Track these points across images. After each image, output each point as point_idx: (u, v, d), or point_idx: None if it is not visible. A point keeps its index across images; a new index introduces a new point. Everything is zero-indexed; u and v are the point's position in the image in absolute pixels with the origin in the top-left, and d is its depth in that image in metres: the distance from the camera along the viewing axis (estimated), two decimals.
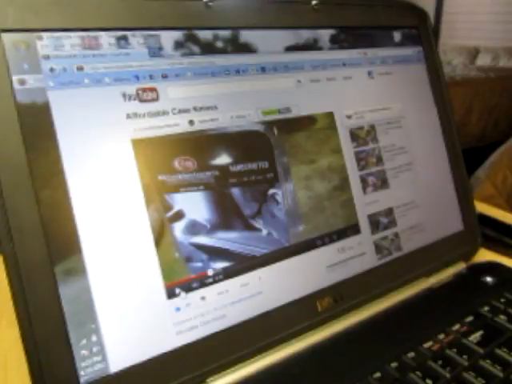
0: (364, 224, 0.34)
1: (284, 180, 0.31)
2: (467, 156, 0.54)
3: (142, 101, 0.27)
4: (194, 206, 0.28)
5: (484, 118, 2.57)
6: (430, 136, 0.40)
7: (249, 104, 0.31)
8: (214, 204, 0.28)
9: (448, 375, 0.27)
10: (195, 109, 0.29)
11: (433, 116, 0.40)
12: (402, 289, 0.35)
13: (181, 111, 0.28)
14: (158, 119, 0.27)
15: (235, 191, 0.29)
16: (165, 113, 0.28)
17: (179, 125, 0.28)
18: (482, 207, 0.49)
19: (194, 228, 0.28)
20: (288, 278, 0.30)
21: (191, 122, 0.29)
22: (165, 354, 0.26)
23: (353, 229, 0.33)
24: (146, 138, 0.27)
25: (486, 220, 0.45)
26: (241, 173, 0.30)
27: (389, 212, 0.35)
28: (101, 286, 0.24)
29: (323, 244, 0.32)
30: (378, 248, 0.34)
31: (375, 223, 0.34)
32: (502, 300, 0.34)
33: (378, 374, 0.27)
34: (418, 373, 0.28)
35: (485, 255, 0.41)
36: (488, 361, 0.29)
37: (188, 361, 0.26)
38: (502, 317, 0.33)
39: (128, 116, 0.27)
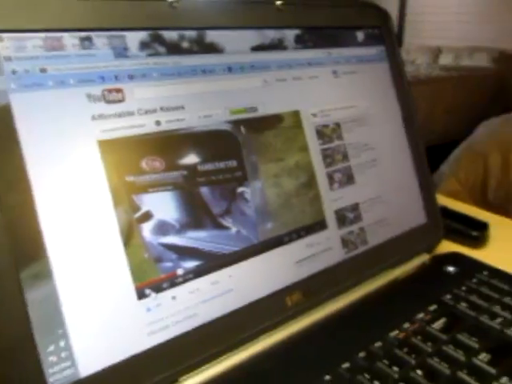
0: (331, 219, 0.35)
1: (252, 178, 0.31)
2: (432, 152, 0.56)
3: (107, 102, 0.27)
4: (163, 206, 0.28)
5: (448, 115, 2.65)
6: (393, 133, 0.41)
7: (216, 103, 0.31)
8: (182, 204, 0.29)
9: (413, 361, 0.29)
10: (162, 109, 0.29)
11: (396, 113, 0.41)
12: (368, 281, 0.36)
13: (147, 112, 0.28)
14: (124, 120, 0.27)
15: (204, 190, 0.29)
16: (131, 113, 0.28)
17: (146, 125, 0.28)
18: (444, 201, 0.51)
19: (163, 228, 0.28)
20: (258, 275, 0.30)
21: (158, 123, 0.29)
22: (136, 355, 0.26)
23: (320, 224, 0.34)
24: (112, 139, 0.27)
25: (448, 213, 0.47)
26: (209, 172, 0.30)
27: (355, 207, 0.36)
28: (68, 290, 0.24)
29: (291, 240, 0.32)
30: (345, 242, 0.35)
31: (342, 218, 0.35)
32: (464, 288, 0.36)
33: (347, 365, 0.28)
34: (385, 361, 0.29)
35: (447, 246, 0.43)
36: (451, 346, 0.30)
37: (160, 361, 0.26)
38: (464, 304, 0.34)
39: (94, 117, 0.26)
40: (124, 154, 0.27)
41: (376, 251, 0.37)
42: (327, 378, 0.27)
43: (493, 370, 0.28)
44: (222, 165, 0.31)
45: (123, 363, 0.25)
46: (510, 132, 1.05)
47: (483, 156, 1.03)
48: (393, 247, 0.38)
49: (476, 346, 0.30)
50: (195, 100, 0.30)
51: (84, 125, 0.26)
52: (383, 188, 0.39)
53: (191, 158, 0.29)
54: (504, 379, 0.27)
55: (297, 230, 0.33)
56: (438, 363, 0.28)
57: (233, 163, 0.31)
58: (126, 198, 0.27)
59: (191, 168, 0.29)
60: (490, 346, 0.30)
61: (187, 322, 0.27)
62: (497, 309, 0.34)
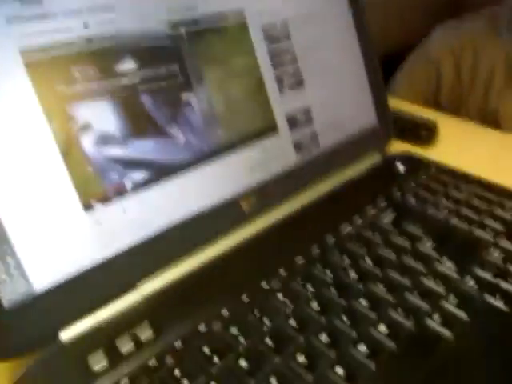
0: (282, 123, 0.34)
1: (197, 84, 0.30)
2: (388, 60, 0.54)
3: (23, 2, 0.24)
4: (102, 116, 0.26)
5: (404, 22, 2.60)
6: (344, 35, 0.39)
7: (151, 2, 0.28)
8: (123, 113, 0.27)
9: (363, 251, 0.30)
10: (89, 9, 0.26)
11: (346, 16, 0.39)
12: (322, 183, 0.37)
13: (72, 12, 0.25)
14: (45, 23, 0.25)
15: (145, 99, 0.28)
16: (53, 15, 0.25)
17: (72, 29, 0.26)
18: (395, 102, 0.51)
19: (105, 140, 0.26)
20: (210, 183, 0.30)
21: (86, 25, 0.26)
22: (91, 266, 0.25)
23: (271, 129, 0.34)
24: (35, 46, 0.24)
25: (398, 115, 0.47)
26: (149, 79, 0.28)
27: (305, 110, 0.36)
28: (9, 209, 0.23)
29: (243, 146, 0.32)
30: (297, 146, 0.35)
31: (293, 122, 0.35)
32: (412, 184, 0.37)
33: (301, 258, 0.30)
34: (336, 253, 0.30)
35: (398, 147, 0.44)
36: (398, 236, 0.32)
37: (116, 270, 0.26)
38: (412, 198, 0.36)
39: (9, 20, 0.24)
40: (51, 63, 0.25)
41: (328, 154, 0.37)
42: (282, 271, 0.29)
43: (436, 255, 0.30)
44: (162, 70, 0.29)
45: (78, 275, 0.25)
46: (461, 37, 1.04)
47: (436, 62, 1.03)
48: (345, 149, 0.38)
49: (421, 234, 0.32)
50: None
51: None
52: (334, 90, 0.38)
53: (128, 64, 0.27)
54: (446, 261, 0.29)
55: (248, 136, 0.32)
56: (386, 252, 0.30)
57: (174, 68, 0.29)
58: (59, 110, 0.25)
59: (129, 75, 0.27)
60: (434, 234, 0.32)
61: (140, 232, 0.27)
62: (442, 201, 0.35)
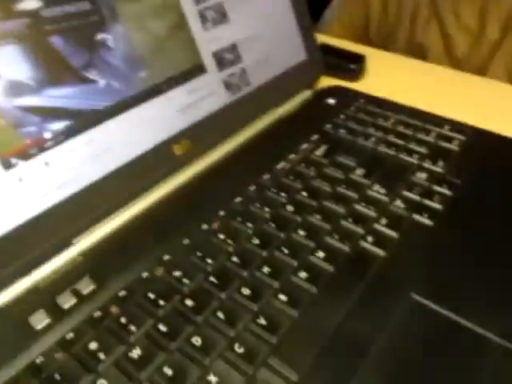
0: (209, 62, 0.33)
1: (112, 22, 0.28)
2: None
3: None
4: (8, 63, 0.24)
5: None
6: None
7: None
8: (32, 58, 0.25)
9: (299, 186, 0.31)
10: None
11: None
12: (254, 122, 0.36)
13: None
14: None
15: (56, 40, 0.25)
16: None
17: None
18: (323, 38, 0.51)
19: (15, 89, 0.24)
20: (138, 128, 0.29)
21: None
22: (18, 226, 0.24)
23: (198, 68, 0.32)
24: None
25: (326, 49, 0.47)
26: (57, 18, 0.26)
27: (233, 48, 0.35)
28: None
29: (170, 88, 0.30)
30: (228, 85, 0.34)
31: (220, 60, 0.34)
32: (342, 116, 0.38)
33: (239, 199, 0.30)
34: (273, 189, 0.30)
35: (328, 82, 0.44)
36: (331, 168, 0.32)
37: (47, 227, 0.25)
38: (342, 130, 0.36)
39: None
40: None
41: (259, 92, 0.36)
42: (222, 213, 0.29)
43: (367, 182, 0.31)
44: (71, 8, 0.26)
45: (5, 237, 0.24)
46: None
47: None
48: (276, 86, 0.38)
49: (353, 164, 0.33)
50: None
51: None
52: (260, 26, 0.37)
53: (30, 2, 0.25)
54: (376, 187, 0.31)
55: (174, 77, 0.31)
56: (320, 183, 0.31)
57: (85, 6, 0.27)
58: None
59: (33, 14, 0.25)
60: (364, 163, 0.33)
61: (68, 186, 0.26)
62: (371, 130, 0.36)
